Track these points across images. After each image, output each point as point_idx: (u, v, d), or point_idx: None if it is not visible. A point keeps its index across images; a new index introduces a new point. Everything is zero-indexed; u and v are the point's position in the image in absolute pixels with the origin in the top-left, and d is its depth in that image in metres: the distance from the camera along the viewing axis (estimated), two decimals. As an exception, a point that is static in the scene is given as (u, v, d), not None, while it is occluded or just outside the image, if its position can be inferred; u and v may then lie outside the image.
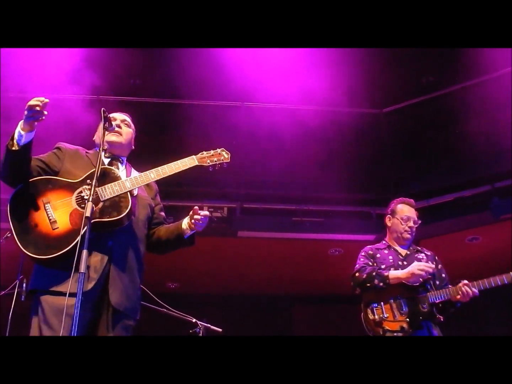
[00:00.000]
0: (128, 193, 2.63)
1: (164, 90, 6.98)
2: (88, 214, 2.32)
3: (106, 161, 2.83)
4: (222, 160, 2.84)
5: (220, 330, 4.01)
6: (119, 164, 2.88)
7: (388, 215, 3.86)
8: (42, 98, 2.44)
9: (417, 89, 7.12)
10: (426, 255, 3.76)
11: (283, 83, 6.26)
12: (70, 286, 2.30)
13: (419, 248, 3.87)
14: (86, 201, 2.39)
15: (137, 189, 2.73)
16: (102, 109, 2.64)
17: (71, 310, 2.19)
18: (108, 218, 2.55)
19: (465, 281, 3.48)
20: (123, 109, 3.13)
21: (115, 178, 2.67)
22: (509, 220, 5.59)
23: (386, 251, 3.74)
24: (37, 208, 2.56)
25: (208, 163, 2.81)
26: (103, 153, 2.60)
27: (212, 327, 4.00)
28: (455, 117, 6.59)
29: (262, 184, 6.58)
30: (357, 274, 3.62)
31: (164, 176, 2.72)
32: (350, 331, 3.64)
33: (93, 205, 2.48)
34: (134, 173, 2.90)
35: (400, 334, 3.42)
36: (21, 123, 2.50)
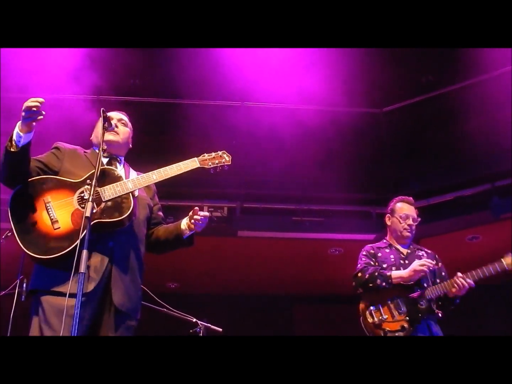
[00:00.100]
0: (130, 193, 2.64)
1: (164, 90, 6.97)
2: (88, 214, 2.32)
3: (105, 160, 2.83)
4: (224, 162, 2.86)
5: (221, 330, 4.02)
6: (117, 163, 2.88)
7: (388, 214, 3.87)
8: (38, 98, 2.44)
9: (417, 89, 7.12)
10: (426, 253, 3.77)
11: (283, 83, 6.26)
12: (70, 287, 2.30)
13: (419, 247, 3.88)
14: (89, 201, 2.38)
15: (137, 189, 2.73)
16: (102, 109, 2.64)
17: (72, 310, 2.19)
18: (109, 218, 2.56)
19: (459, 274, 3.49)
20: (123, 109, 3.13)
21: (117, 179, 2.67)
22: (509, 219, 5.59)
23: (387, 250, 3.75)
24: (38, 208, 2.55)
25: (210, 165, 2.82)
26: (102, 153, 2.60)
27: (213, 327, 4.01)
28: (455, 116, 6.59)
29: (262, 184, 6.58)
30: (359, 274, 3.62)
31: (166, 178, 2.72)
32: (351, 331, 3.63)
33: (95, 205, 2.49)
34: (132, 172, 2.91)
35: (401, 334, 3.42)
36: (19, 124, 2.49)
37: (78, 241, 2.32)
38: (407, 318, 3.46)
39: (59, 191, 2.60)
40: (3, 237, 3.93)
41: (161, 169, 2.74)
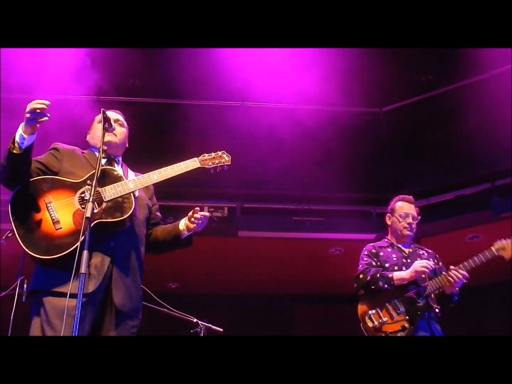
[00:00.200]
0: (131, 194, 2.64)
1: (163, 90, 6.97)
2: (88, 214, 2.32)
3: (103, 161, 2.82)
4: (223, 162, 2.87)
5: (221, 330, 4.02)
6: (115, 164, 2.88)
7: (388, 214, 3.87)
8: (44, 101, 2.43)
9: (417, 88, 7.11)
10: (427, 252, 3.77)
11: (283, 83, 6.26)
12: (72, 287, 2.29)
13: (420, 246, 3.88)
14: (89, 201, 2.38)
15: (138, 189, 2.73)
16: (102, 109, 2.64)
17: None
18: (111, 218, 2.56)
19: (452, 267, 3.50)
20: (122, 109, 3.13)
21: (117, 179, 2.67)
22: (509, 219, 5.58)
23: (389, 249, 3.75)
24: (39, 208, 2.55)
25: (210, 165, 2.84)
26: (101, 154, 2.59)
27: (213, 327, 4.00)
28: (455, 116, 6.58)
29: (262, 184, 6.58)
30: (361, 276, 3.62)
31: (166, 178, 2.73)
32: (351, 331, 3.63)
33: (96, 206, 2.50)
34: (130, 173, 2.91)
35: (402, 334, 3.42)
36: (22, 125, 2.48)
37: (79, 241, 2.32)
38: (407, 317, 3.46)
39: (60, 192, 2.60)
40: (3, 237, 3.93)
41: (162, 169, 2.75)
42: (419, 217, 3.80)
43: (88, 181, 2.61)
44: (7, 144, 2.50)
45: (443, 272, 3.60)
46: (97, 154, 2.81)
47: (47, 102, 2.44)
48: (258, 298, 7.67)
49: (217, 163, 2.85)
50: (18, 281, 3.98)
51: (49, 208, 2.54)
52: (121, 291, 2.55)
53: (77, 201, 2.58)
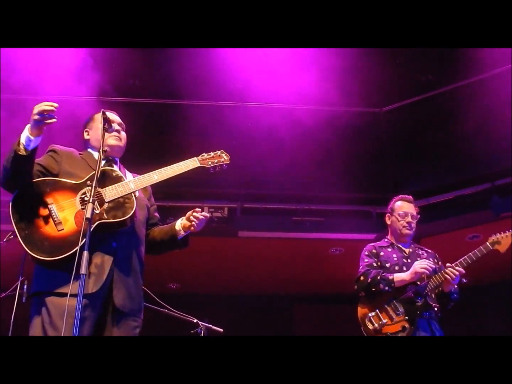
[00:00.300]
0: (132, 194, 2.64)
1: (163, 90, 6.97)
2: (88, 215, 2.32)
3: (102, 162, 2.82)
4: (223, 162, 2.89)
5: (221, 330, 4.01)
6: (114, 165, 2.88)
7: (388, 214, 3.88)
8: (53, 103, 2.43)
9: (417, 88, 7.11)
10: (427, 252, 3.77)
11: (283, 83, 6.26)
12: (75, 288, 2.28)
13: (420, 246, 3.88)
14: (89, 202, 2.37)
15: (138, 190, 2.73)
16: (102, 110, 2.64)
17: (78, 312, 2.20)
18: (113, 219, 2.56)
19: (448, 264, 3.51)
20: (122, 109, 3.13)
21: (118, 179, 2.68)
22: (509, 218, 5.58)
23: (389, 249, 3.75)
24: (41, 210, 2.54)
25: (209, 164, 2.85)
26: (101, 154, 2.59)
27: (214, 327, 4.00)
28: (455, 115, 6.58)
29: (263, 184, 6.58)
30: (361, 278, 3.62)
31: (167, 178, 2.73)
32: (351, 331, 3.64)
33: (98, 206, 2.51)
34: (128, 174, 2.91)
35: (403, 334, 3.42)
36: (28, 127, 2.48)
37: (82, 242, 2.32)
38: (406, 317, 3.46)
39: (61, 193, 2.60)
40: (4, 239, 3.92)
41: (162, 169, 2.75)
42: (419, 216, 3.81)
43: (89, 182, 2.61)
44: (12, 146, 2.48)
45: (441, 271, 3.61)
46: (95, 155, 2.82)
47: (55, 104, 2.44)
48: (258, 298, 7.67)
49: (216, 163, 2.86)
50: (19, 282, 3.97)
51: (51, 209, 2.54)
52: (121, 291, 2.55)
53: (78, 202, 2.58)
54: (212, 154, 2.88)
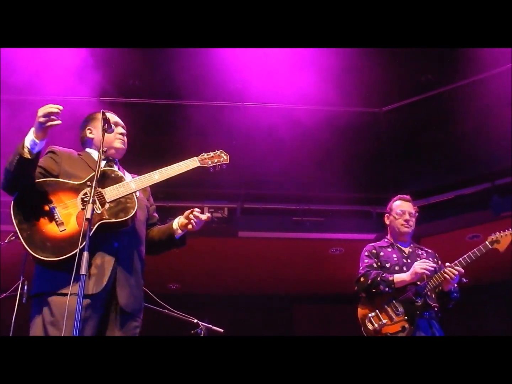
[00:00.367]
0: (134, 194, 2.65)
1: (163, 91, 6.98)
2: (88, 216, 2.32)
3: (103, 163, 2.82)
4: (222, 161, 2.90)
5: (222, 330, 4.01)
6: (114, 165, 2.89)
7: (386, 214, 3.89)
8: (58, 106, 2.43)
9: (417, 88, 7.12)
10: (426, 252, 3.78)
11: (283, 83, 6.26)
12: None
13: (420, 246, 3.89)
14: (89, 202, 2.37)
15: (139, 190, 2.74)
16: (102, 110, 2.65)
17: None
18: (115, 219, 2.56)
19: (448, 263, 3.51)
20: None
21: (119, 179, 2.68)
22: (509, 218, 5.58)
23: (389, 249, 3.75)
24: (42, 211, 2.54)
25: (209, 164, 2.86)
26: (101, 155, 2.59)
27: (214, 327, 4.00)
28: (455, 115, 6.59)
29: (262, 184, 6.58)
30: (362, 279, 3.62)
31: (167, 178, 2.74)
32: (351, 331, 3.64)
33: (99, 206, 2.52)
34: (127, 174, 2.91)
35: (403, 334, 3.43)
36: (33, 130, 2.47)
37: (85, 243, 2.32)
38: (406, 317, 3.47)
39: (62, 194, 2.60)
40: (6, 241, 3.91)
41: (163, 169, 2.76)
42: (417, 214, 3.81)
43: (88, 183, 2.61)
44: (15, 150, 2.47)
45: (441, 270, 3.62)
46: (94, 154, 2.82)
47: (60, 107, 2.44)
48: (258, 298, 7.68)
49: (216, 162, 2.87)
50: (20, 282, 3.97)
51: (53, 210, 2.54)
52: (125, 291, 2.56)
53: (79, 202, 2.58)
54: (211, 154, 2.89)
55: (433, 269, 3.52)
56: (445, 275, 3.47)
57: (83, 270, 2.22)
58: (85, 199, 2.56)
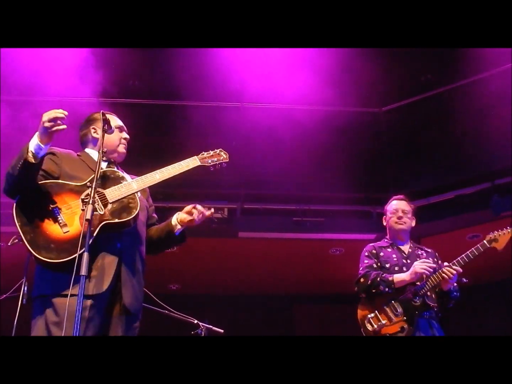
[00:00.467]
0: (136, 194, 2.65)
1: (163, 91, 6.98)
2: (88, 216, 2.32)
3: (104, 164, 2.82)
4: (222, 160, 2.91)
5: (222, 331, 4.01)
6: (114, 166, 2.88)
7: (384, 216, 3.92)
8: (64, 111, 2.43)
9: (416, 88, 7.12)
10: (426, 252, 3.78)
11: (282, 84, 6.26)
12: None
13: (419, 246, 3.89)
14: (89, 203, 2.37)
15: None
16: (101, 111, 2.65)
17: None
18: (118, 219, 2.56)
19: (446, 263, 3.51)
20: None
21: (120, 180, 2.68)
22: (509, 218, 5.58)
23: (389, 250, 3.76)
24: (45, 213, 2.53)
25: (209, 163, 2.87)
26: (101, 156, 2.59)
27: (214, 328, 4.00)
28: (455, 115, 6.59)
29: (262, 185, 6.58)
30: (362, 280, 3.63)
31: (168, 177, 2.74)
32: (351, 331, 3.64)
33: (102, 207, 2.52)
34: (126, 176, 2.91)
35: (402, 335, 3.43)
36: (38, 134, 2.46)
37: (87, 244, 2.32)
38: (405, 318, 3.47)
39: (64, 195, 2.59)
40: (9, 243, 3.90)
41: (163, 169, 2.76)
42: (410, 210, 3.82)
43: (88, 183, 2.60)
44: (19, 154, 2.46)
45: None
46: (93, 155, 2.82)
47: (65, 112, 2.44)
48: (258, 298, 7.68)
49: (216, 161, 2.88)
50: (22, 283, 3.96)
51: (55, 212, 2.53)
52: (129, 291, 2.56)
53: (81, 203, 2.58)
54: (211, 152, 2.90)
55: (433, 269, 3.52)
56: (443, 274, 3.47)
57: (83, 271, 2.22)
58: (86, 200, 2.56)
